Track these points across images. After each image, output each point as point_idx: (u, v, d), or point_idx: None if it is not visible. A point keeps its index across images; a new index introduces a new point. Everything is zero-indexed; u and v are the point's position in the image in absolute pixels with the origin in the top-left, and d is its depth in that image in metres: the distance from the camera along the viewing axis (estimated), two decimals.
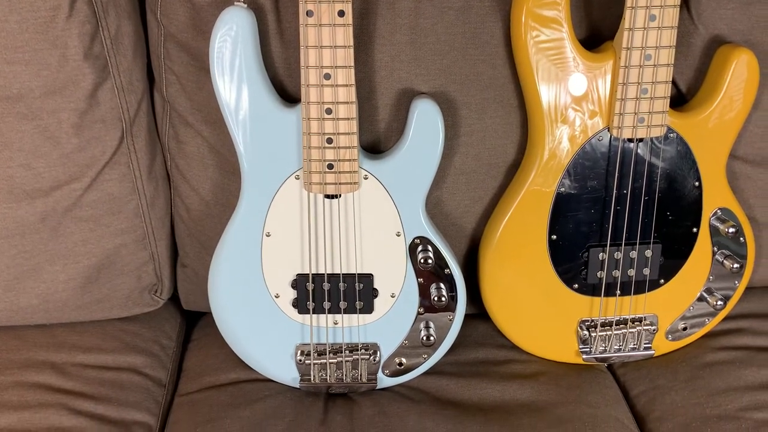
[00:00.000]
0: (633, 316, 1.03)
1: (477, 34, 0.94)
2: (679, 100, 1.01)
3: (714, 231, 1.00)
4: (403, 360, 0.99)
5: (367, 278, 0.95)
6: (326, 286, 0.94)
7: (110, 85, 0.95)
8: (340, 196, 0.91)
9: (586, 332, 1.02)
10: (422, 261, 0.93)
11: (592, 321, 1.03)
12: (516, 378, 1.01)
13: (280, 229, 0.93)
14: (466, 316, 0.99)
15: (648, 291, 1.01)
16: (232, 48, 0.86)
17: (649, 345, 1.04)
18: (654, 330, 1.03)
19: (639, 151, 0.94)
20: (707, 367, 1.03)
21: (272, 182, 0.91)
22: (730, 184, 1.01)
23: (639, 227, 0.97)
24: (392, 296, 0.96)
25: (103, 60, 0.93)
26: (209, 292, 0.98)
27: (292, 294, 0.95)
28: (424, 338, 0.96)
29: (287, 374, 1.00)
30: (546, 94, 0.90)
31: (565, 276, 1.00)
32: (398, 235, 0.93)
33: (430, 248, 0.94)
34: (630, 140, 0.93)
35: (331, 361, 0.98)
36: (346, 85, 0.84)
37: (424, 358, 1.00)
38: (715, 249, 1.01)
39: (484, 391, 0.99)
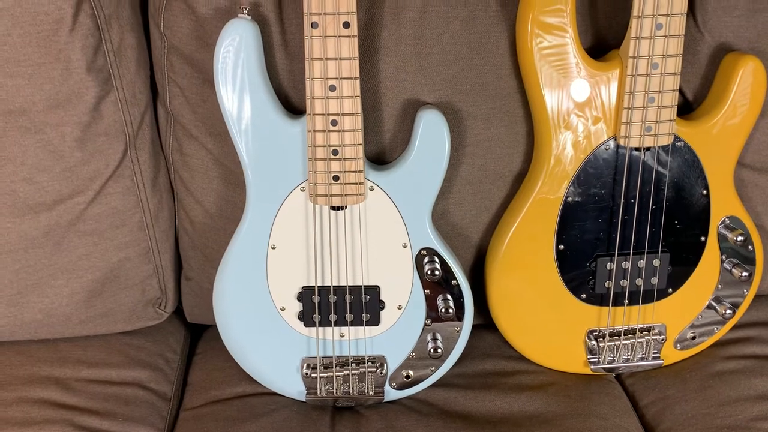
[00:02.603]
0: (641, 326, 1.02)
1: (482, 44, 0.93)
2: (686, 108, 1.00)
3: (722, 239, 0.99)
4: (411, 372, 0.99)
5: (374, 290, 0.94)
6: (332, 298, 0.94)
7: (113, 98, 0.94)
8: (345, 207, 0.90)
9: (594, 342, 1.02)
10: (429, 272, 0.92)
11: (600, 331, 1.02)
12: (524, 389, 1.01)
13: (285, 241, 0.92)
14: (473, 327, 0.99)
15: (656, 300, 1.01)
16: (235, 59, 0.85)
17: (658, 354, 1.04)
18: (662, 339, 1.03)
19: (646, 159, 0.94)
20: (717, 377, 1.02)
21: (277, 194, 0.90)
22: (738, 192, 1.00)
23: (647, 236, 0.97)
24: (399, 308, 0.95)
25: (106, 73, 0.93)
26: (214, 305, 0.97)
27: (298, 307, 0.95)
28: (432, 350, 0.96)
29: (293, 388, 0.99)
30: (550, 99, 0.90)
31: (572, 286, 0.99)
32: (404, 247, 0.93)
33: (436, 259, 0.93)
34: (637, 149, 0.93)
35: (337, 374, 0.97)
36: (352, 97, 0.84)
37: (432, 371, 0.99)
38: (724, 257, 1.01)
39: (492, 403, 0.98)
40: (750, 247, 1.01)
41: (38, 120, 0.92)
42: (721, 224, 0.99)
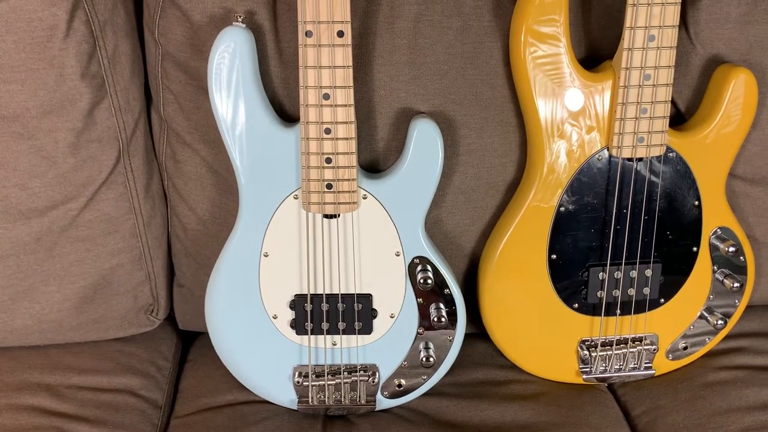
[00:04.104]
0: (633, 336, 1.02)
1: (476, 54, 0.94)
2: (678, 119, 1.01)
3: (714, 250, 1.00)
4: (403, 381, 0.99)
5: (366, 298, 0.94)
6: (325, 306, 0.94)
7: (107, 105, 0.94)
8: (338, 215, 0.90)
9: (586, 352, 1.02)
10: (422, 281, 0.92)
11: (593, 341, 1.02)
12: (516, 399, 1.00)
13: (278, 249, 0.92)
14: (466, 336, 0.99)
15: (648, 310, 1.01)
16: (230, 65, 0.85)
17: (650, 364, 1.04)
18: (654, 349, 1.03)
19: (639, 170, 0.94)
20: (708, 387, 1.02)
21: (270, 202, 0.90)
22: (730, 202, 1.01)
23: (639, 246, 0.97)
24: (391, 317, 0.95)
25: (100, 79, 0.93)
26: (206, 313, 0.97)
27: (290, 315, 0.95)
28: (424, 359, 0.96)
29: (285, 396, 0.99)
30: (543, 108, 0.91)
31: (564, 295, 0.99)
32: (397, 255, 0.93)
33: (429, 268, 0.93)
34: (629, 160, 0.93)
35: (329, 382, 0.97)
36: (345, 105, 0.84)
37: (424, 379, 0.99)
38: (715, 268, 1.01)
39: (484, 412, 0.98)
40: (741, 257, 1.01)
41: (31, 126, 0.92)
42: (713, 235, 0.99)
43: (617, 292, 0.99)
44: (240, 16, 0.86)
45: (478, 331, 1.05)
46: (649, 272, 0.98)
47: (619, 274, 0.98)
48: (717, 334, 1.05)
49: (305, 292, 0.93)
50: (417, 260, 0.93)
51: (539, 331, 1.01)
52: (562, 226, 0.96)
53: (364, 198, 0.90)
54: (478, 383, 1.03)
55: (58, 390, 0.98)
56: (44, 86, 0.90)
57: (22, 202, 0.95)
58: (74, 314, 1.02)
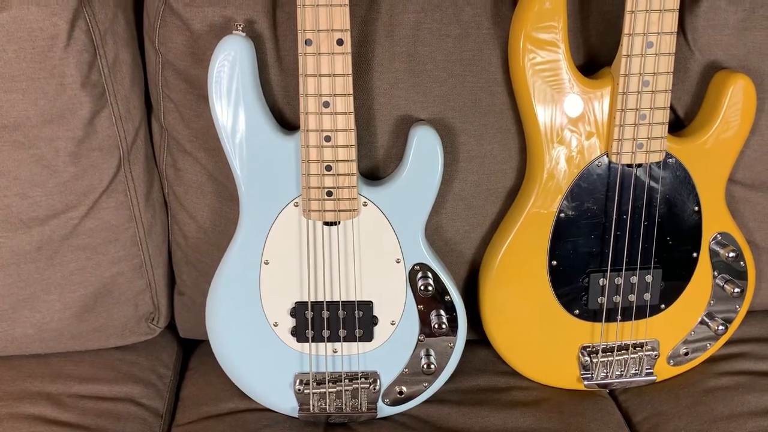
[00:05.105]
0: (634, 342, 1.02)
1: (475, 62, 0.94)
2: (677, 125, 1.01)
3: (714, 255, 1.00)
4: (404, 388, 0.98)
5: (367, 306, 0.94)
6: (325, 314, 0.94)
7: (108, 113, 0.95)
8: (339, 223, 0.90)
9: (587, 358, 1.02)
10: (422, 288, 0.93)
11: (593, 347, 1.02)
12: (517, 406, 1.00)
13: (278, 256, 0.92)
14: (467, 343, 0.99)
15: (649, 316, 1.01)
16: (230, 73, 0.86)
17: (651, 370, 1.04)
18: (655, 355, 1.03)
19: (638, 176, 0.94)
20: (710, 393, 1.02)
21: (271, 209, 0.91)
22: (730, 208, 1.01)
23: (639, 252, 0.97)
24: (392, 324, 0.95)
25: (101, 88, 0.93)
26: (207, 320, 0.97)
27: (291, 322, 0.95)
28: (425, 366, 0.95)
29: (286, 403, 0.99)
30: (542, 115, 0.91)
31: (565, 301, 0.99)
32: (398, 262, 0.93)
33: (430, 275, 0.93)
34: (629, 165, 0.93)
35: (330, 390, 0.97)
36: (345, 113, 0.84)
37: (425, 387, 0.99)
38: (716, 273, 1.01)
39: (486, 419, 0.98)
40: (742, 263, 1.01)
41: (32, 135, 0.92)
42: (713, 240, 0.99)
43: (618, 298, 0.99)
44: (240, 25, 0.86)
45: (478, 338, 1.05)
46: (649, 278, 0.98)
47: (619, 280, 0.98)
48: (718, 340, 1.05)
49: (306, 299, 0.93)
50: (417, 267, 0.93)
51: (540, 338, 1.01)
52: (562, 232, 0.96)
53: (365, 205, 0.90)
54: (479, 390, 1.03)
55: (59, 399, 0.98)
56: (45, 95, 0.90)
57: (23, 211, 0.95)
58: (75, 323, 1.02)
